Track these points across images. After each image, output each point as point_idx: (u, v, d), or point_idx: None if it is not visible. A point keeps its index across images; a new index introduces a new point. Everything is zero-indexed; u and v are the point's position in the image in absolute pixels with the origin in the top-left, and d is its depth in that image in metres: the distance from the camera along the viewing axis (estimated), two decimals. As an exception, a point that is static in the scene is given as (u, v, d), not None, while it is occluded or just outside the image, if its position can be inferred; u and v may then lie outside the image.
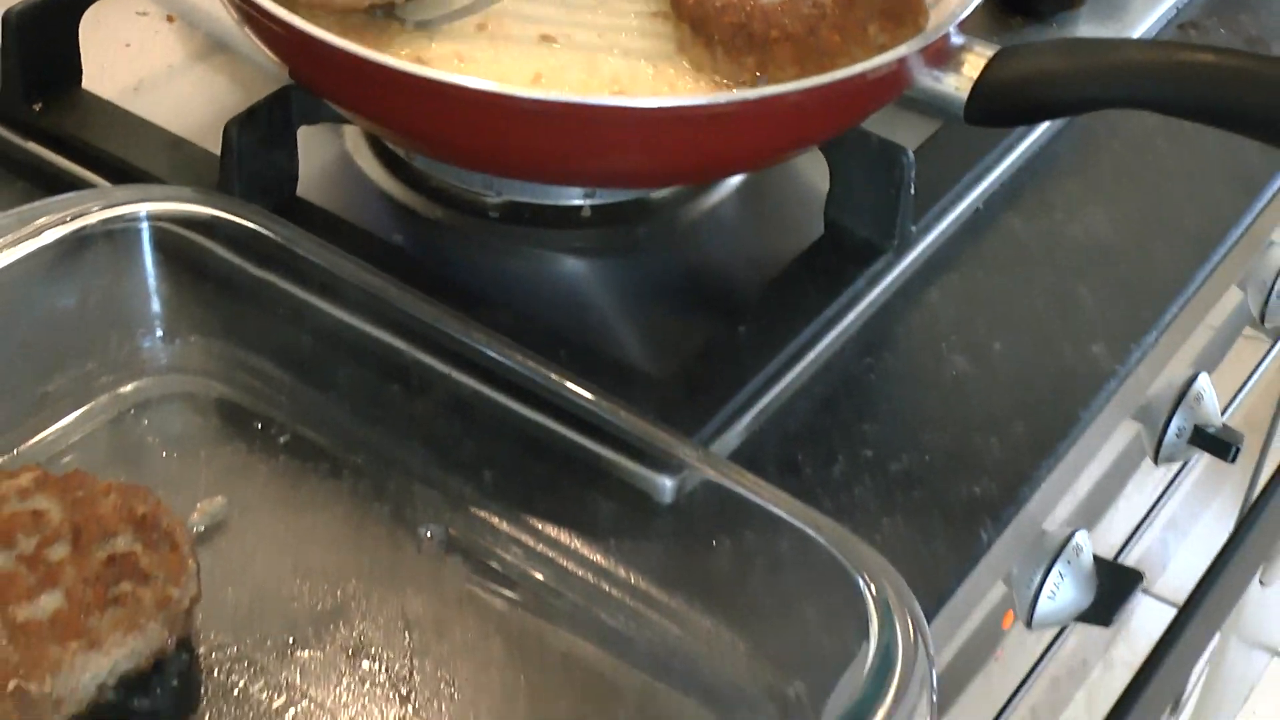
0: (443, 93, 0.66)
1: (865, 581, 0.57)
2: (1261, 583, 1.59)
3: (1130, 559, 1.00)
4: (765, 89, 0.69)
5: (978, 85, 0.69)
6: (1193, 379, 0.92)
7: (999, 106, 0.69)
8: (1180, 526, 1.11)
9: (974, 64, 0.69)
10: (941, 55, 0.70)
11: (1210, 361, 0.96)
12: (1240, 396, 1.07)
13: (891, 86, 0.70)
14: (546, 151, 0.69)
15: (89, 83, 0.82)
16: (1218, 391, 0.97)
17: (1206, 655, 1.48)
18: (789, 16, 0.71)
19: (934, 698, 0.55)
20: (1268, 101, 0.63)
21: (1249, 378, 1.08)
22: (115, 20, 0.86)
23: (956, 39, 0.70)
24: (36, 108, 0.80)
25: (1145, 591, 1.10)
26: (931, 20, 0.74)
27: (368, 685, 0.58)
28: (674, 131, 0.67)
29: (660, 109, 0.67)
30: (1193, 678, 1.46)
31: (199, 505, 0.65)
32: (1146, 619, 1.10)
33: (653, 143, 0.68)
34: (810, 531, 0.59)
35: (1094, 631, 0.99)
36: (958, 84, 0.69)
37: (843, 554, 0.58)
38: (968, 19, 0.70)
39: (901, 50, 0.68)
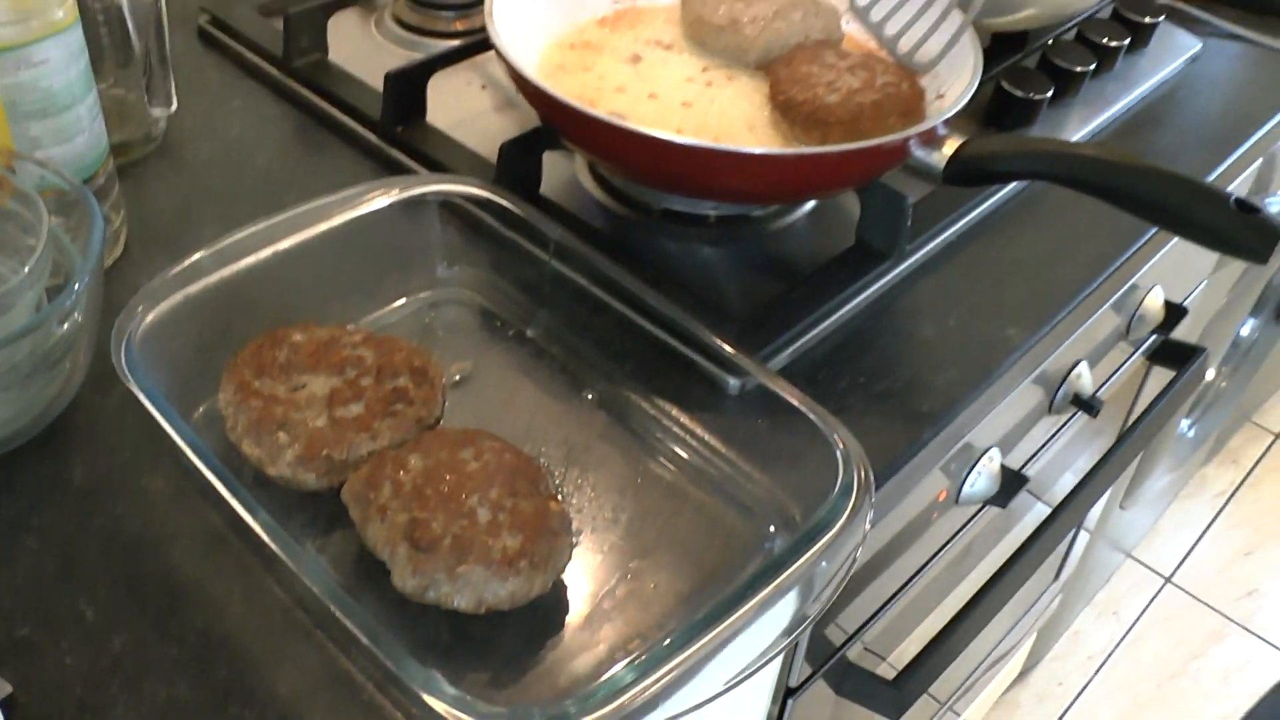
0: (625, 136, 0.65)
1: (839, 446, 0.56)
2: (1121, 507, 1.54)
3: (1029, 472, 0.97)
4: (822, 148, 0.68)
5: (951, 159, 0.67)
6: (1077, 364, 0.89)
7: (964, 172, 0.67)
8: (1068, 458, 1.08)
9: (951, 145, 0.67)
10: (931, 139, 0.68)
11: (1094, 357, 0.93)
12: (1109, 383, 1.03)
13: (899, 155, 0.68)
14: (687, 177, 0.68)
15: (431, 118, 0.83)
16: (1095, 377, 0.94)
17: (1081, 550, 1.44)
18: (841, 110, 0.70)
19: (870, 516, 0.54)
20: (1119, 181, 0.61)
21: (1117, 370, 1.04)
22: (450, 83, 0.86)
23: (941, 130, 0.68)
24: (399, 129, 0.81)
25: (1036, 497, 1.07)
26: (928, 117, 0.72)
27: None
28: (765, 170, 0.66)
29: (758, 155, 0.66)
30: (1070, 562, 1.42)
31: (455, 365, 0.66)
32: (1038, 514, 1.08)
33: (751, 176, 0.67)
34: (813, 417, 0.58)
35: (997, 521, 0.97)
36: (939, 158, 0.68)
37: (829, 431, 0.57)
38: (954, 119, 0.68)
39: (908, 133, 0.66)
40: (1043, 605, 1.42)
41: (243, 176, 0.79)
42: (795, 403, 0.59)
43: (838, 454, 0.56)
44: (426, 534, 0.52)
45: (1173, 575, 1.93)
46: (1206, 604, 1.89)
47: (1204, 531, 2.01)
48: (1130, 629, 1.85)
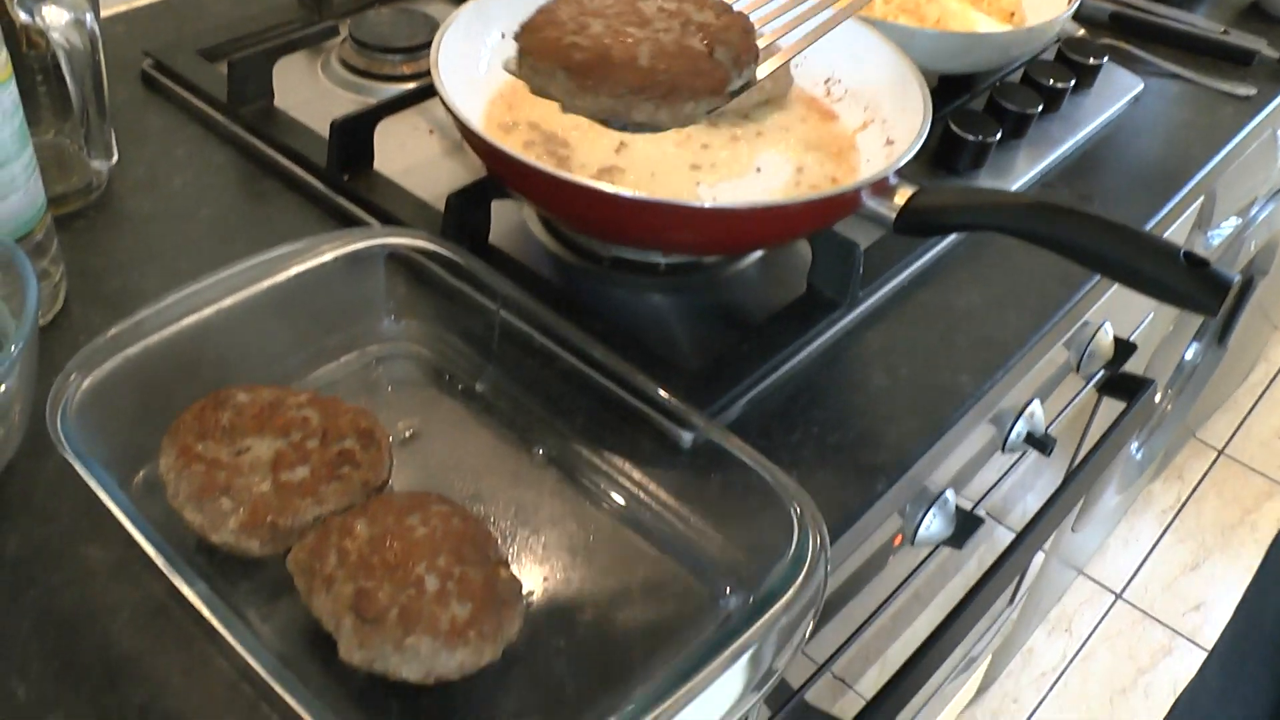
0: (566, 188, 0.64)
1: (794, 507, 0.54)
2: (1073, 529, 1.54)
3: (982, 510, 0.96)
4: (773, 201, 0.66)
5: (902, 210, 0.66)
6: (1029, 401, 0.88)
7: (915, 223, 0.66)
8: (1021, 489, 1.07)
9: (902, 195, 0.66)
10: (883, 189, 0.66)
11: (1044, 392, 0.92)
12: (1061, 416, 1.02)
13: (849, 205, 0.66)
14: (633, 229, 0.67)
15: (379, 164, 0.80)
16: (1046, 412, 0.93)
17: (1036, 570, 1.43)
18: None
19: (827, 577, 0.52)
20: (1068, 235, 0.60)
21: (1068, 404, 1.03)
22: (398, 128, 0.84)
23: (892, 180, 0.66)
24: (345, 177, 0.79)
25: (996, 520, 1.07)
26: (879, 166, 0.71)
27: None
28: (711, 224, 0.65)
29: (704, 210, 0.64)
30: (1026, 583, 1.42)
31: (402, 422, 0.63)
32: (999, 540, 1.07)
33: (696, 229, 0.66)
34: (766, 476, 0.56)
35: (954, 557, 0.96)
36: (890, 208, 0.66)
37: (781, 489, 0.56)
38: (906, 167, 0.67)
39: (858, 183, 0.65)
40: (998, 626, 1.42)
41: (187, 228, 0.76)
42: (748, 461, 0.57)
43: (793, 515, 0.54)
44: (373, 605, 0.50)
45: (1123, 591, 1.94)
46: (1155, 618, 1.90)
47: (1152, 548, 2.01)
48: (1082, 645, 1.85)
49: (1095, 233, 0.59)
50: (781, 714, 0.81)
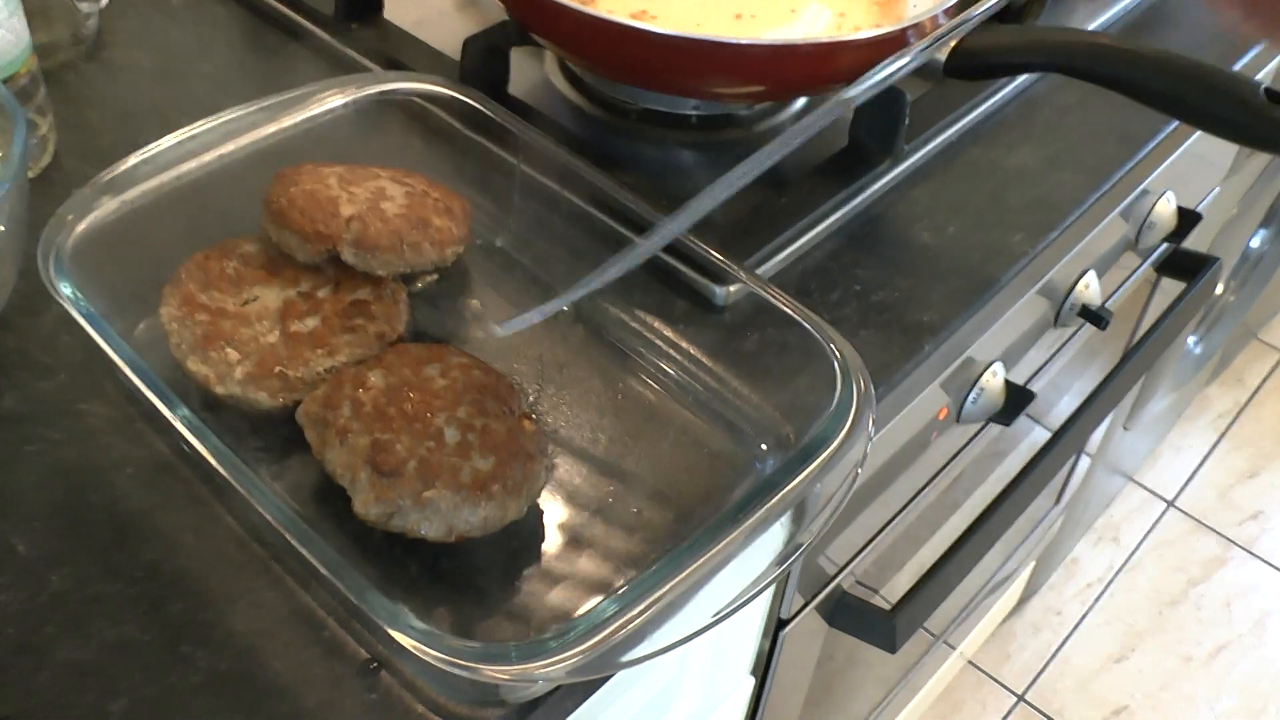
0: (597, 26, 0.62)
1: (836, 355, 0.54)
2: (1125, 428, 1.54)
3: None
4: (813, 38, 0.65)
5: (955, 50, 0.65)
6: (1084, 273, 0.87)
7: (968, 65, 0.65)
8: (1069, 378, 1.07)
9: (955, 37, 0.65)
10: (932, 30, 0.65)
11: (1102, 266, 0.91)
12: (1116, 295, 1.01)
13: (896, 47, 0.65)
14: (665, 72, 0.66)
15: (388, 14, 0.79)
16: (1103, 287, 0.92)
17: (1082, 475, 1.43)
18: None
19: (872, 430, 0.52)
20: (1138, 73, 0.58)
21: (1124, 283, 1.02)
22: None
23: (942, 19, 0.65)
24: (354, 26, 0.78)
25: (1035, 420, 1.06)
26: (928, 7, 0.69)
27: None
28: (747, 62, 0.64)
29: (740, 45, 0.63)
30: (1071, 486, 1.42)
31: (418, 278, 0.63)
32: (1035, 441, 1.07)
33: (732, 69, 0.64)
34: (807, 325, 0.56)
35: (994, 445, 0.96)
36: (941, 51, 0.65)
37: (825, 340, 0.55)
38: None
39: (907, 21, 0.64)
40: (1042, 531, 1.42)
41: (185, 82, 0.76)
42: (788, 310, 0.57)
43: (835, 365, 0.54)
44: (390, 457, 0.50)
45: (1175, 499, 1.94)
46: (1210, 527, 1.90)
47: (1207, 454, 2.01)
48: (1130, 555, 1.86)
49: (1166, 69, 0.58)
50: (815, 602, 0.82)
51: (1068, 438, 0.90)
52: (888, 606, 0.82)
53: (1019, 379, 0.89)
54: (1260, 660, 1.71)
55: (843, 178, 0.70)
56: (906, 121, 0.70)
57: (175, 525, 0.53)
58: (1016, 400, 0.81)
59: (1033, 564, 1.56)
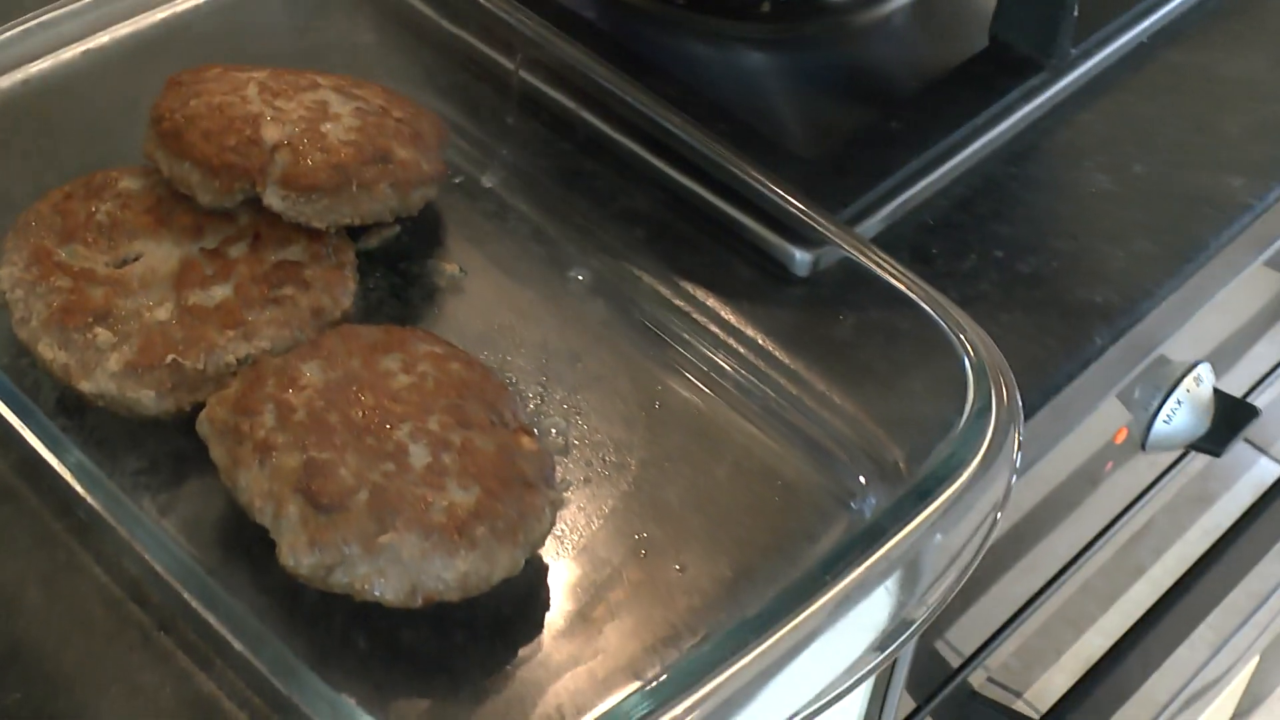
0: None
1: (970, 355, 0.55)
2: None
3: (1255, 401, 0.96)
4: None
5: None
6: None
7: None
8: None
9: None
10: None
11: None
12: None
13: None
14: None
15: None
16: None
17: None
18: None
19: (1016, 466, 0.53)
20: None
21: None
22: None
23: None
24: None
25: (1260, 449, 1.07)
26: None
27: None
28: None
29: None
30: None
31: (373, 231, 0.65)
32: (1261, 476, 1.07)
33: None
34: (928, 308, 0.57)
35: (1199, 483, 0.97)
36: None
37: (953, 330, 0.56)
38: None
39: None
40: (1271, 610, 1.42)
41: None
42: (898, 284, 0.58)
43: (965, 363, 0.55)
44: (330, 485, 0.51)
45: None
46: None
47: None
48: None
49: None
50: (933, 704, 0.83)
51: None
52: (1036, 717, 0.82)
53: (1235, 389, 0.90)
54: None
55: (980, 93, 0.72)
56: (1074, 13, 0.72)
57: (14, 577, 0.53)
58: (1232, 418, 0.82)
59: (1256, 658, 1.57)
